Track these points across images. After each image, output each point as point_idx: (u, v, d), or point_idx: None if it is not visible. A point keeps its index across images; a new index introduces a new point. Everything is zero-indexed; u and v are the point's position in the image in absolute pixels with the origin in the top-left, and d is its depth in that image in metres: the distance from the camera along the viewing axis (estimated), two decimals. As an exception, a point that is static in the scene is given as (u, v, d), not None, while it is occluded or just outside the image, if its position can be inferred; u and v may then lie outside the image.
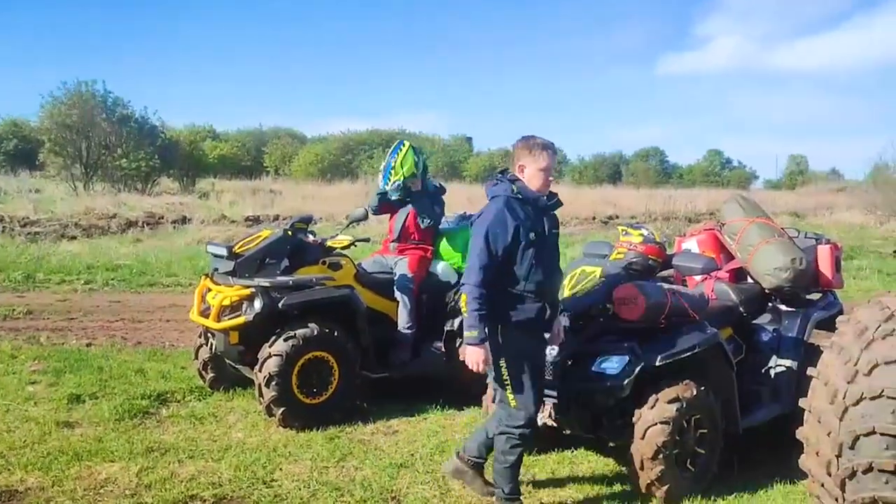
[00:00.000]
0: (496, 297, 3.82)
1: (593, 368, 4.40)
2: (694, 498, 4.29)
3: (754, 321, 5.37)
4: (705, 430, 4.42)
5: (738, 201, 5.59)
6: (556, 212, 4.13)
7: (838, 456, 3.51)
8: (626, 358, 4.32)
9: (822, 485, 3.66)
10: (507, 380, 3.90)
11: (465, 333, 3.80)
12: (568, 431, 5.00)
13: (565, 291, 4.67)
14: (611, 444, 4.83)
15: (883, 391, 3.48)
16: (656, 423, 4.18)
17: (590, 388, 4.39)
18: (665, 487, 4.22)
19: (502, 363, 3.89)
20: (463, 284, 3.85)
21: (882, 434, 3.45)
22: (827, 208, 30.29)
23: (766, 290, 5.35)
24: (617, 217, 26.25)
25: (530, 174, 3.93)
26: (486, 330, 3.81)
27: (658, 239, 4.99)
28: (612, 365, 4.35)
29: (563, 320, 4.26)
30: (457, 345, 6.11)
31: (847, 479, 3.49)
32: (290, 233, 5.83)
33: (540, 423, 4.57)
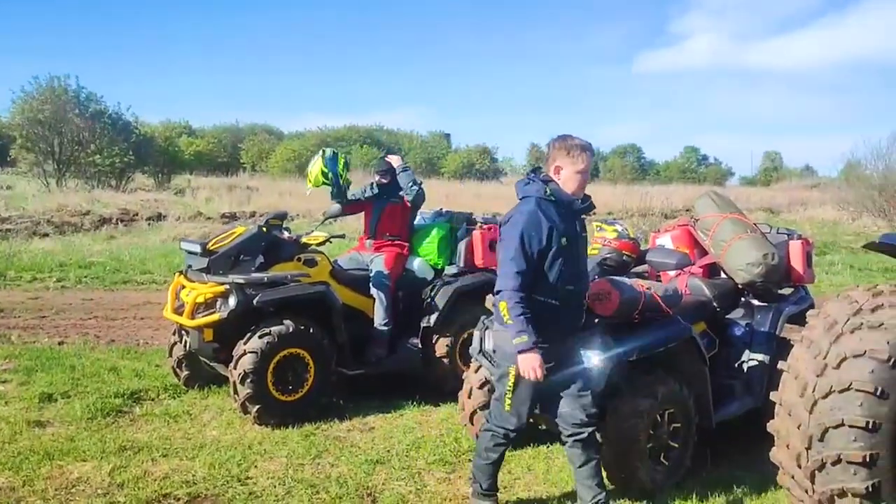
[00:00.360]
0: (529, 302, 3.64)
1: (568, 364, 4.42)
2: (667, 491, 4.33)
3: (727, 316, 5.42)
4: (679, 424, 4.46)
5: (712, 197, 5.64)
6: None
7: (808, 448, 3.56)
8: (601, 353, 4.33)
9: (793, 477, 3.71)
10: (510, 385, 3.76)
11: (515, 341, 3.57)
12: (543, 427, 5.04)
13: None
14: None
15: (851, 384, 3.54)
16: (631, 418, 4.21)
17: (564, 383, 4.39)
18: (640, 481, 4.24)
19: (511, 368, 3.71)
20: (498, 292, 3.65)
21: (850, 426, 3.51)
22: (801, 204, 30.66)
23: (739, 285, 5.41)
24: (594, 213, 26.35)
25: (567, 176, 3.75)
26: (533, 332, 3.58)
27: (632, 235, 5.03)
28: (587, 360, 4.36)
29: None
30: (433, 340, 6.13)
31: (816, 471, 3.54)
32: (264, 229, 5.79)
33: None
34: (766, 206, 29.82)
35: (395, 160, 6.38)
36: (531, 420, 4.59)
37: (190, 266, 5.81)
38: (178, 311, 5.67)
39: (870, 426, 3.48)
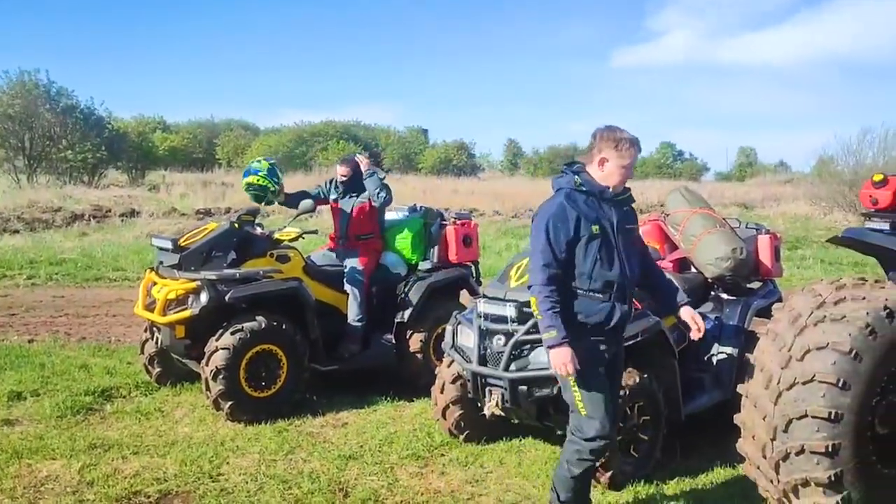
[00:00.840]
0: (562, 296, 3.51)
1: (540, 357, 4.46)
2: (637, 483, 4.38)
3: (697, 310, 5.47)
4: (648, 417, 4.51)
5: (682, 193, 5.71)
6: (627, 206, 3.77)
7: (773, 439, 3.63)
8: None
9: (758, 467, 3.78)
10: (574, 387, 3.55)
11: (544, 336, 3.45)
12: (516, 420, 5.08)
13: (511, 282, 4.71)
14: (559, 432, 4.87)
15: (815, 376, 3.61)
16: (600, 411, 4.25)
17: (537, 376, 4.44)
18: (609, 473, 4.30)
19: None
20: (529, 286, 3.55)
21: (813, 417, 3.58)
22: (774, 199, 30.96)
23: (709, 279, 5.48)
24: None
25: (611, 169, 3.58)
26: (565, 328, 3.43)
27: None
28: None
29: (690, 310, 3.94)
30: (407, 336, 6.14)
31: (781, 462, 3.61)
32: (236, 225, 5.77)
33: (487, 412, 4.64)
34: (740, 201, 30.09)
35: (362, 163, 6.31)
36: (504, 413, 4.66)
37: (161, 262, 5.78)
38: (150, 307, 5.63)
39: (832, 417, 3.55)
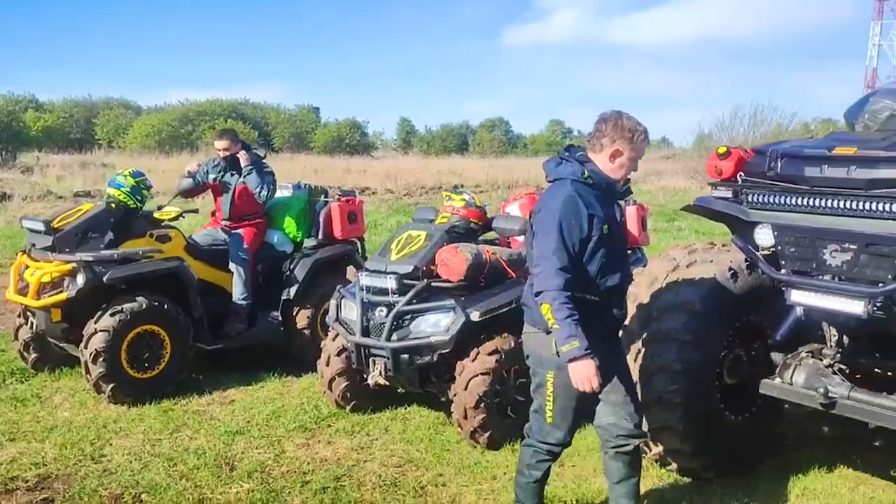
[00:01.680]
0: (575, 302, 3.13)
1: (420, 326, 4.64)
2: (514, 441, 4.61)
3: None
4: (524, 380, 4.75)
5: (556, 166, 5.97)
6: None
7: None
8: (450, 315, 4.57)
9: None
10: (549, 395, 3.29)
11: (564, 348, 3.04)
12: (401, 389, 5.25)
13: (392, 256, 4.86)
14: (442, 399, 5.07)
15: (669, 333, 3.93)
16: (478, 375, 4.47)
17: (418, 345, 4.61)
18: (487, 434, 4.52)
19: (549, 375, 3.26)
20: (539, 293, 3.12)
21: (668, 370, 3.91)
22: (656, 174, 32.33)
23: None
24: (462, 186, 26.89)
25: (623, 162, 3.25)
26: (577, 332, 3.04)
27: (478, 203, 5.27)
28: (437, 322, 4.60)
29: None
30: (293, 312, 6.17)
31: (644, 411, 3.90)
32: (113, 206, 5.64)
33: (371, 381, 4.78)
34: (623, 176, 31.22)
35: (242, 158, 6.16)
36: (387, 382, 4.82)
37: (34, 245, 5.59)
38: (22, 292, 5.45)
39: (685, 370, 3.89)
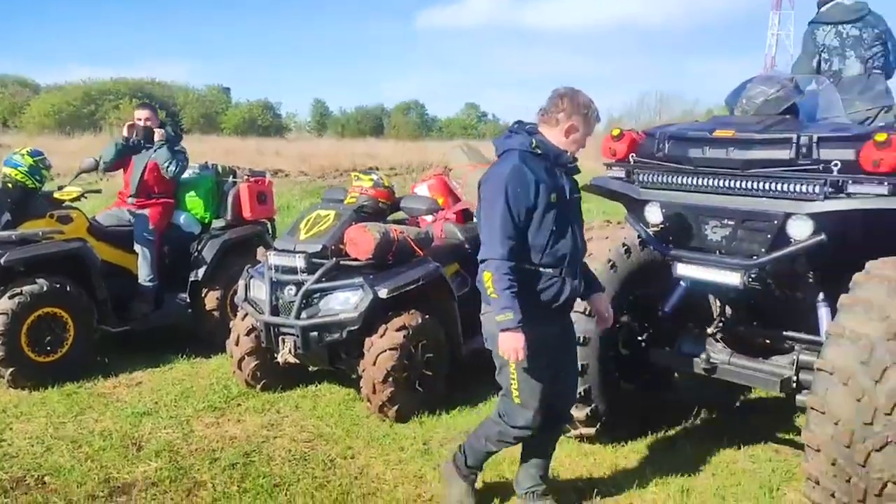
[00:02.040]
0: (517, 273, 3.15)
1: (330, 304, 4.72)
2: (422, 414, 4.77)
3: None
4: (432, 355, 4.90)
5: (462, 149, 6.14)
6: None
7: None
8: (358, 292, 4.67)
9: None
10: (513, 374, 3.27)
11: (497, 317, 3.08)
12: (312, 368, 5.32)
13: (301, 235, 4.91)
14: (353, 376, 5.15)
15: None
16: (386, 350, 4.58)
17: (327, 322, 4.69)
18: (395, 407, 4.65)
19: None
20: (483, 260, 3.15)
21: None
22: (569, 157, 33.04)
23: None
24: (377, 169, 26.86)
25: (576, 138, 3.28)
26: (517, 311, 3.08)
27: (387, 184, 5.36)
28: (346, 300, 4.69)
29: (605, 298, 3.74)
30: (202, 294, 6.13)
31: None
32: (10, 185, 5.48)
33: (281, 359, 4.84)
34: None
35: (157, 135, 6.08)
36: (298, 361, 4.87)
37: (-80, 228, 5.37)
38: None
39: (582, 341, 4.09)
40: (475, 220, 6.05)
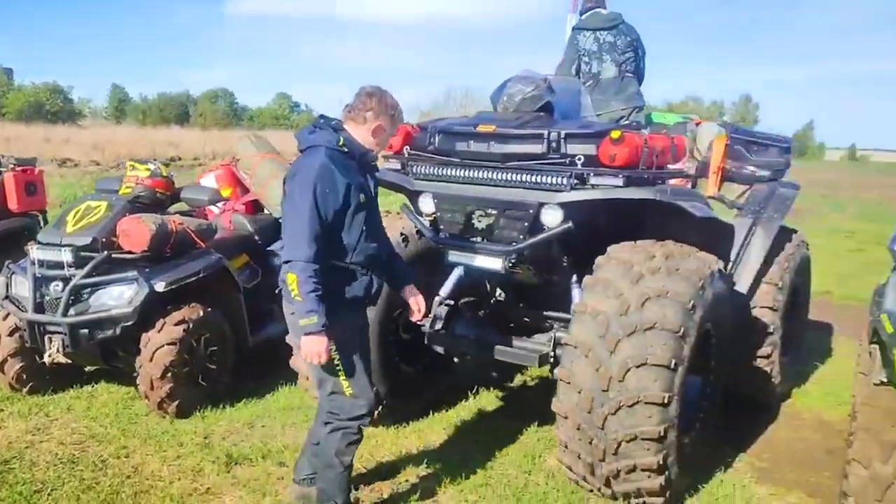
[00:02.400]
0: (322, 274, 3.11)
1: (101, 299, 4.52)
2: (204, 409, 4.69)
3: (269, 248, 5.92)
4: (215, 348, 4.83)
5: (250, 139, 6.04)
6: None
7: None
8: (133, 286, 4.50)
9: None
10: (338, 366, 3.27)
11: (301, 321, 3.05)
12: (90, 368, 5.06)
13: (68, 227, 4.66)
14: (134, 374, 4.95)
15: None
16: (164, 345, 4.46)
17: (98, 318, 4.49)
18: (175, 403, 4.54)
19: (331, 349, 3.20)
20: (287, 261, 3.07)
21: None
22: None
23: (279, 220, 5.93)
24: (179, 159, 25.68)
25: (383, 140, 3.33)
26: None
27: (165, 174, 5.18)
28: (119, 294, 4.51)
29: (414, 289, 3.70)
30: None
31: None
32: None
33: (48, 359, 4.57)
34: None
35: None
36: (68, 360, 4.62)
37: None
38: None
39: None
40: (265, 211, 6.03)
